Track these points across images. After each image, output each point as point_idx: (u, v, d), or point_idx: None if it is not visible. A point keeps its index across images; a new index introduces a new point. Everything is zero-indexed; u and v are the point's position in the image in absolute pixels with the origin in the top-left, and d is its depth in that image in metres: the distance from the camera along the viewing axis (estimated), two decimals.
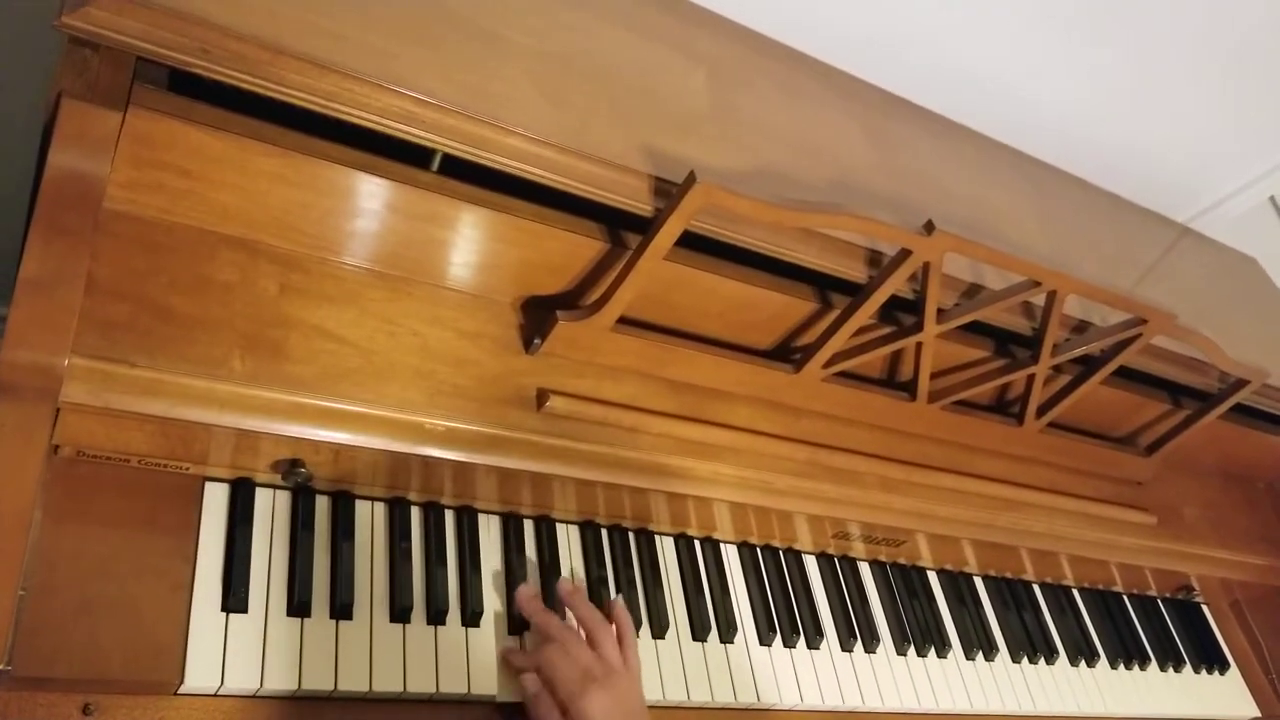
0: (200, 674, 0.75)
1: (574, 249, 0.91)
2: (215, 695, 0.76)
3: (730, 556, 1.08)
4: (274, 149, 0.78)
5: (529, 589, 0.92)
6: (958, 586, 1.23)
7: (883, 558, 1.19)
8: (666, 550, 1.04)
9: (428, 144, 0.81)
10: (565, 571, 0.96)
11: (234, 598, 0.78)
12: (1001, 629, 1.23)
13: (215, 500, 0.82)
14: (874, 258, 1.00)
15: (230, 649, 0.77)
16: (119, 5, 0.69)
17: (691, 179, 0.83)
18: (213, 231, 0.81)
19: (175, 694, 0.75)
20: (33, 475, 0.67)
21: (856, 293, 0.99)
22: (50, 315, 0.70)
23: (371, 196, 0.83)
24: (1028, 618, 1.27)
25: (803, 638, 1.06)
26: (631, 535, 1.03)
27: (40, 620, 0.71)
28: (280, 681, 0.78)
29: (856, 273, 0.99)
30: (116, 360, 0.72)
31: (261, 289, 0.81)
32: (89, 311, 0.72)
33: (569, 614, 0.93)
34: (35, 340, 0.69)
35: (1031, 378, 1.13)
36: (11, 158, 1.13)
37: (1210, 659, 1.42)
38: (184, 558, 0.79)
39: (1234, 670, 1.44)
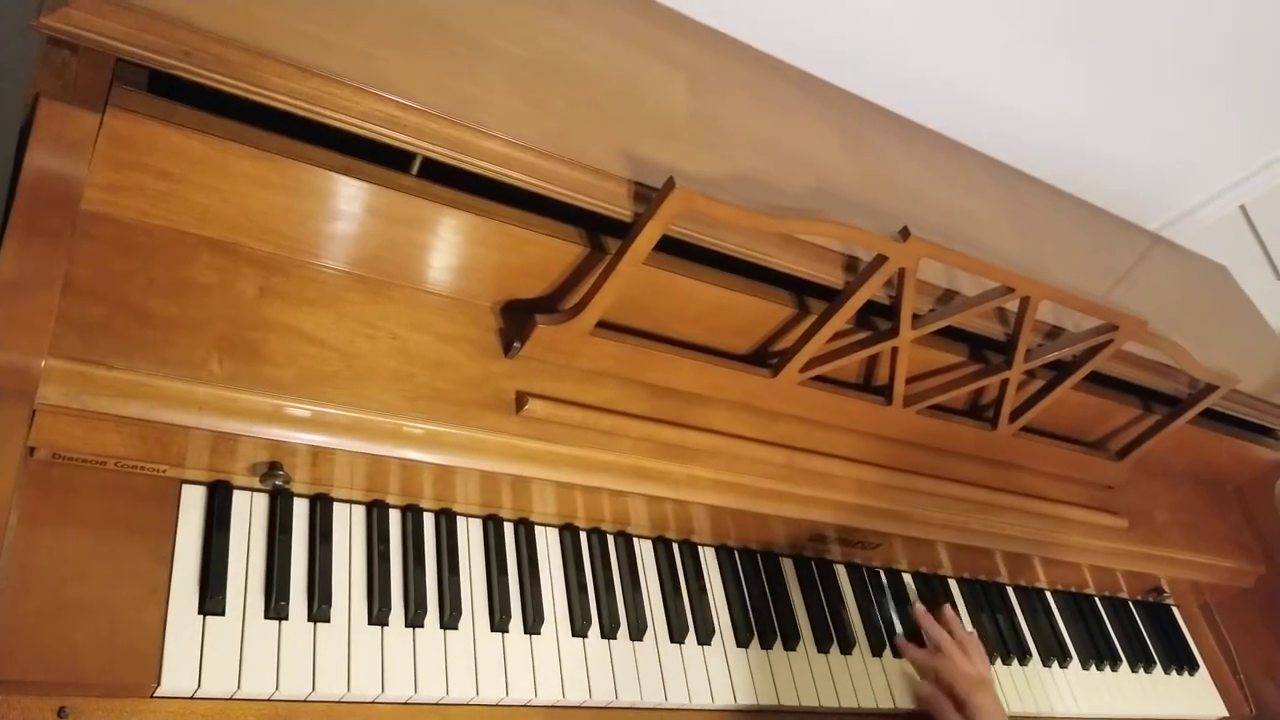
0: (177, 677, 0.75)
1: (554, 253, 0.91)
2: (192, 698, 0.76)
3: (708, 559, 1.09)
4: (254, 152, 0.78)
5: (921, 606, 1.19)
6: (932, 589, 1.25)
7: (858, 560, 1.20)
8: (645, 553, 1.05)
9: (408, 148, 0.81)
10: (544, 574, 0.96)
11: (211, 601, 0.78)
12: (975, 630, 1.24)
13: (192, 503, 0.82)
14: (850, 263, 1.01)
15: (207, 652, 0.77)
16: (98, 6, 0.69)
17: (670, 184, 0.83)
18: (192, 234, 0.81)
19: (152, 697, 0.75)
20: (8, 477, 0.67)
21: (833, 298, 1.00)
22: (27, 316, 0.69)
23: (352, 200, 0.83)
24: (1001, 619, 1.28)
25: (779, 639, 1.07)
26: (610, 538, 1.03)
27: (15, 623, 0.70)
28: (258, 685, 0.77)
29: (833, 278, 1.00)
30: (94, 362, 0.72)
31: (241, 291, 0.81)
32: (66, 313, 0.72)
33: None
34: (12, 341, 0.68)
35: (1005, 382, 1.14)
36: None
37: (1180, 660, 1.44)
38: (161, 560, 0.79)
39: (1203, 671, 1.47)
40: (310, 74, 0.76)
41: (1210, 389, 1.25)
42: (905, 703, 1.12)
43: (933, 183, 1.30)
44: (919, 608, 1.19)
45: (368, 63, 0.80)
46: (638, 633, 0.98)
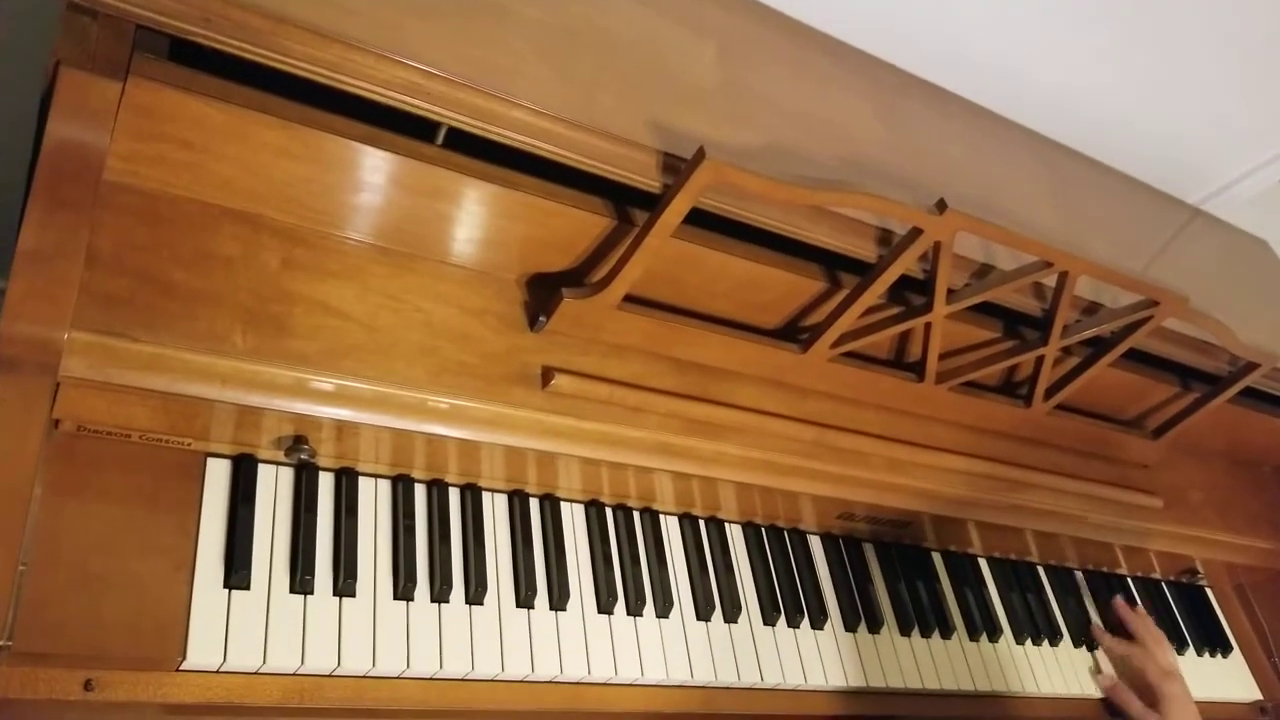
0: (202, 651, 0.74)
1: (580, 225, 0.90)
2: (217, 672, 0.76)
3: (735, 536, 1.08)
4: (277, 121, 0.76)
5: (1120, 598, 1.31)
6: (962, 568, 1.23)
7: (887, 539, 1.19)
8: (671, 530, 1.04)
9: (433, 117, 0.79)
10: (570, 550, 0.96)
11: (236, 575, 0.78)
12: (1005, 611, 1.23)
13: (217, 476, 0.82)
14: (884, 237, 0.98)
15: (232, 626, 0.76)
16: None
17: (700, 155, 0.81)
18: (214, 205, 0.80)
19: (177, 670, 0.75)
20: (32, 450, 0.67)
21: (866, 272, 0.98)
22: (50, 288, 0.69)
23: (375, 170, 0.81)
24: (1032, 600, 1.26)
25: (807, 618, 1.06)
26: (636, 514, 1.02)
27: (41, 596, 0.70)
28: (283, 660, 0.77)
29: (866, 252, 0.97)
30: (117, 334, 0.71)
31: (264, 263, 0.80)
32: (89, 285, 0.71)
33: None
34: (35, 313, 0.68)
35: (1040, 359, 1.12)
36: (10, 128, 1.11)
37: (1214, 642, 1.42)
38: (186, 534, 0.78)
39: (1237, 653, 1.44)
40: (332, 41, 0.74)
41: (1251, 366, 1.22)
42: (934, 683, 1.10)
43: (967, 154, 1.27)
44: (1119, 600, 1.31)
45: (390, 30, 0.78)
46: (664, 610, 0.97)
